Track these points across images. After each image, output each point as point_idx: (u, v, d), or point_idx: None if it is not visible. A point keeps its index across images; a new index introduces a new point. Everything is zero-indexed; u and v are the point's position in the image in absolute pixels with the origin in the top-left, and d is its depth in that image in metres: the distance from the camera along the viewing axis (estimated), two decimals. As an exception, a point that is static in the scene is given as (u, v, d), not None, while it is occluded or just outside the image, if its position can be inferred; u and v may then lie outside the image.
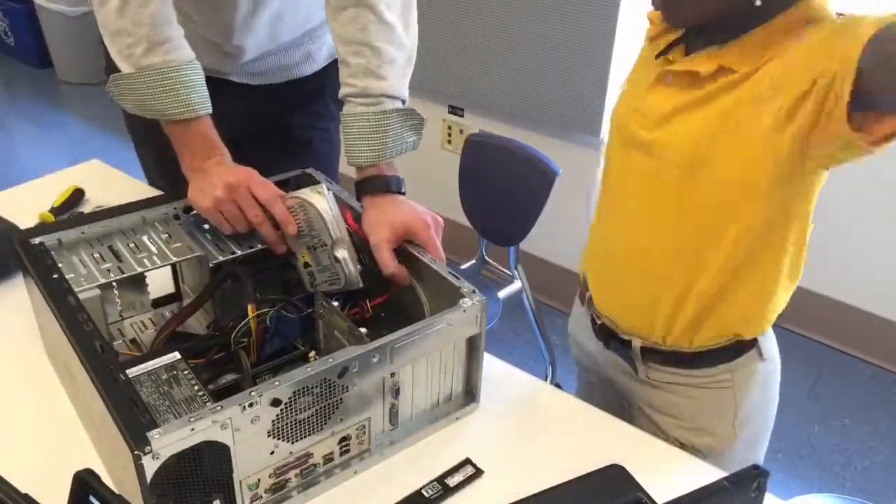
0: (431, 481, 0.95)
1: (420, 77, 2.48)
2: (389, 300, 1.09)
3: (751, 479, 0.72)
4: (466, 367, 1.03)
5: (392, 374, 0.94)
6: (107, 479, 0.88)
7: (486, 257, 2.16)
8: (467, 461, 0.98)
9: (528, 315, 2.07)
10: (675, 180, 1.02)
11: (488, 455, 0.99)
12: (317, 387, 0.86)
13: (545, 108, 2.34)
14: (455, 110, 2.57)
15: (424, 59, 2.41)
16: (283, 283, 1.18)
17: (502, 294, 2.03)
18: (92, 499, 0.72)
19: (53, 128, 3.71)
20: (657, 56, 1.06)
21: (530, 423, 1.06)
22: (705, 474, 1.01)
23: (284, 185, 1.23)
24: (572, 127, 2.31)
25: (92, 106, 3.95)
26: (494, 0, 2.29)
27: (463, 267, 2.16)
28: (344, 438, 0.93)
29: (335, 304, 1.05)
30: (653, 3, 1.01)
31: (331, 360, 0.86)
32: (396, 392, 0.96)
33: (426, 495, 0.93)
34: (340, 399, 0.89)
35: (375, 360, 0.90)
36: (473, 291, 0.99)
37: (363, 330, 1.01)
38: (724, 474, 0.96)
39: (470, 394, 1.06)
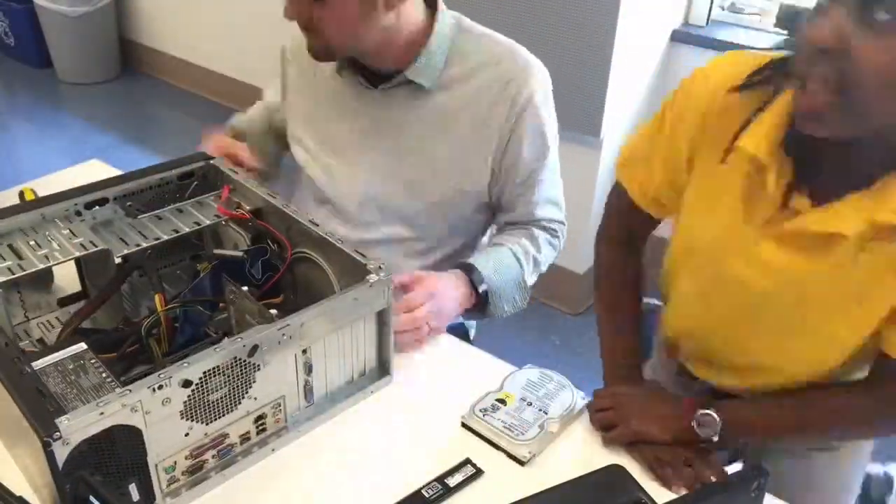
0: (431, 481, 0.95)
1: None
2: (298, 282, 1.11)
3: (751, 480, 0.71)
4: (378, 342, 1.06)
5: (304, 352, 0.96)
6: (23, 483, 0.88)
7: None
8: (467, 461, 0.98)
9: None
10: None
11: (488, 455, 1.00)
12: (227, 367, 0.87)
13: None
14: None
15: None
16: (193, 274, 1.18)
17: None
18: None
19: (53, 128, 3.64)
20: (782, 207, 0.88)
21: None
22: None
23: (189, 177, 1.23)
24: (572, 127, 2.27)
25: (92, 106, 3.89)
26: (494, 1, 2.28)
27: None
28: (260, 417, 0.95)
29: (245, 288, 1.06)
30: (797, 111, 0.79)
31: (240, 339, 0.88)
32: (309, 369, 0.98)
33: (426, 495, 0.93)
34: (253, 378, 0.91)
35: (285, 337, 0.92)
36: (380, 267, 1.01)
37: (274, 312, 1.02)
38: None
39: (383, 367, 1.09)
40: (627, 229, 1.16)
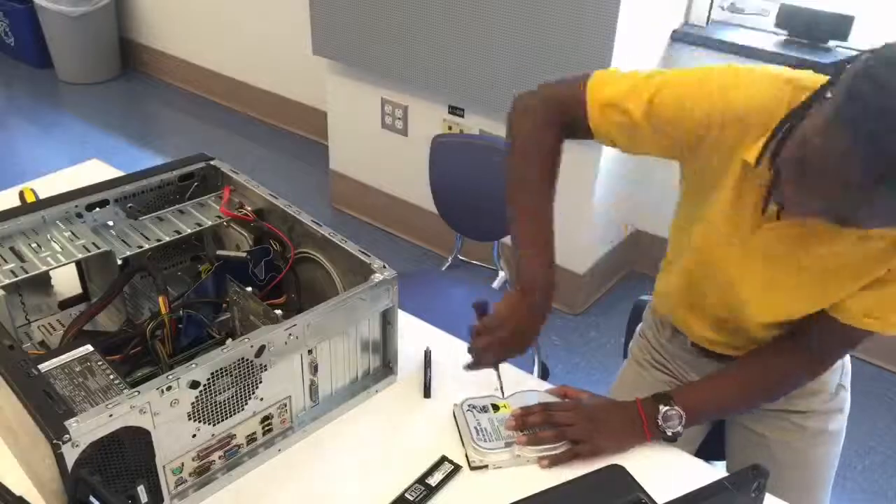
0: (413, 483, 0.95)
1: (420, 77, 2.39)
2: (301, 282, 1.11)
3: (751, 480, 0.71)
4: (382, 341, 1.06)
5: (310, 352, 0.96)
6: (25, 483, 0.88)
7: (460, 255, 2.11)
8: (444, 459, 0.99)
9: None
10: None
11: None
12: (235, 367, 0.87)
13: (545, 108, 2.31)
14: (455, 110, 2.52)
15: (425, 59, 2.38)
16: (194, 275, 1.18)
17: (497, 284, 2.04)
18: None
19: (53, 128, 3.65)
20: (763, 212, 1.02)
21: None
22: (705, 474, 1.02)
23: (189, 178, 1.23)
24: (572, 127, 2.28)
25: (92, 106, 3.89)
26: (495, 2, 2.27)
27: (443, 268, 2.12)
28: (266, 418, 0.95)
29: (248, 289, 1.06)
30: (776, 196, 0.95)
31: (247, 339, 0.88)
32: (315, 369, 0.98)
33: (410, 498, 0.93)
34: (259, 379, 0.91)
35: (292, 337, 0.92)
36: (384, 266, 1.01)
37: (279, 312, 1.02)
38: (723, 474, 0.96)
39: (387, 366, 1.09)
40: (569, 126, 1.16)
